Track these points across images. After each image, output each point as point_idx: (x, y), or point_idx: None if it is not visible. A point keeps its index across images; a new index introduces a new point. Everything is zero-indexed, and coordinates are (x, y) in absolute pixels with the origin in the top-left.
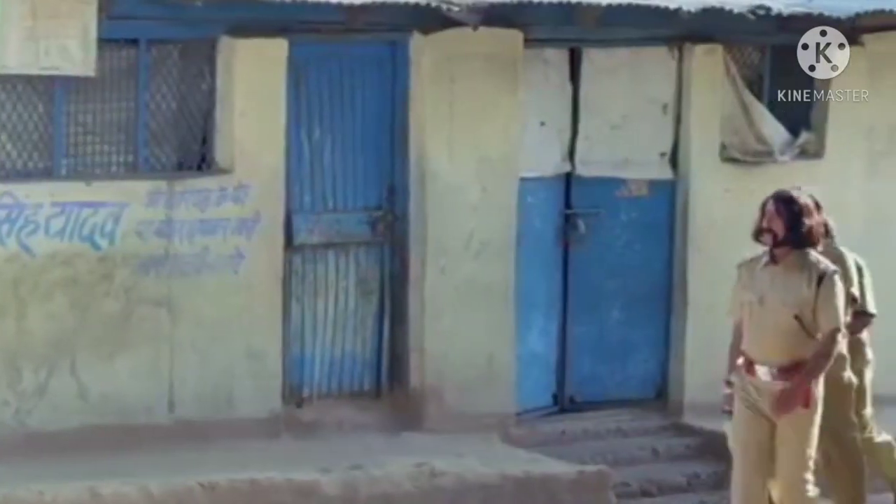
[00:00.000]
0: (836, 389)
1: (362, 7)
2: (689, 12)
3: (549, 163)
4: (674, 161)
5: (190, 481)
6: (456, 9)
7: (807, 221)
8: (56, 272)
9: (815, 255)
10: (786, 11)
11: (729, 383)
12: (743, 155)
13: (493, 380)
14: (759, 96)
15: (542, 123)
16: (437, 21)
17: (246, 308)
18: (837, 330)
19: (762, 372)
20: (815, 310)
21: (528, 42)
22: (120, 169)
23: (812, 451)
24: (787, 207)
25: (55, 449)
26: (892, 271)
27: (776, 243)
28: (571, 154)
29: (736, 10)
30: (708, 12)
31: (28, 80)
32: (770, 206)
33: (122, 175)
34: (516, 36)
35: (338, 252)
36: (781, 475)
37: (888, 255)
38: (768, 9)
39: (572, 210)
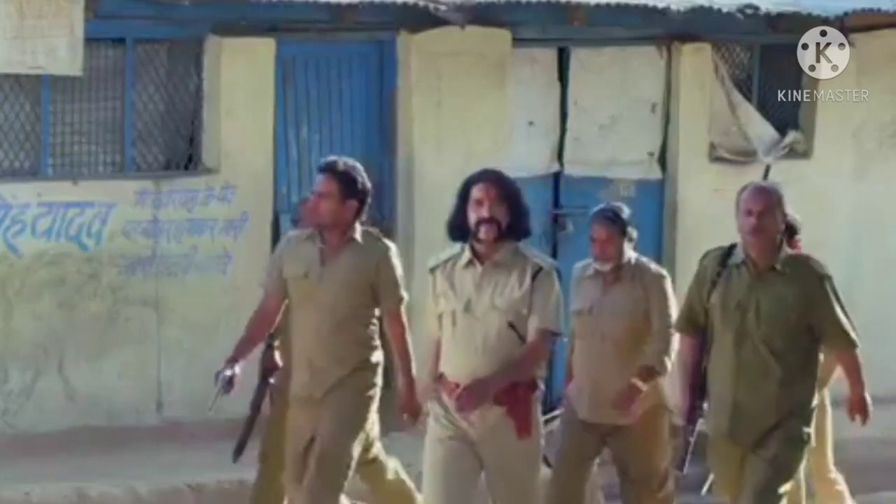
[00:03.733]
0: None
1: (349, 6)
2: (677, 11)
3: (538, 162)
4: (662, 161)
5: (178, 482)
6: (443, 8)
7: (526, 206)
8: (43, 272)
9: (525, 248)
10: (774, 10)
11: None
12: (732, 154)
13: None
14: (747, 96)
15: (531, 123)
16: (424, 20)
17: (233, 308)
18: (549, 332)
19: None
20: (528, 310)
21: (517, 41)
22: (107, 168)
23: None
24: (508, 189)
25: (42, 450)
26: (880, 272)
27: (498, 236)
28: (560, 153)
29: (725, 10)
30: (696, 11)
31: (15, 79)
32: (485, 191)
33: (109, 175)
34: (504, 35)
35: None
36: None
37: (876, 255)
38: (757, 8)
39: (560, 210)
